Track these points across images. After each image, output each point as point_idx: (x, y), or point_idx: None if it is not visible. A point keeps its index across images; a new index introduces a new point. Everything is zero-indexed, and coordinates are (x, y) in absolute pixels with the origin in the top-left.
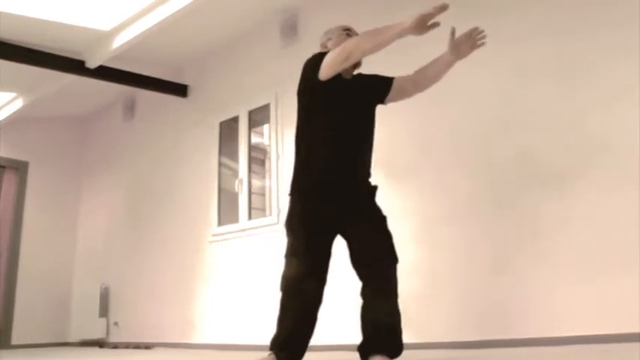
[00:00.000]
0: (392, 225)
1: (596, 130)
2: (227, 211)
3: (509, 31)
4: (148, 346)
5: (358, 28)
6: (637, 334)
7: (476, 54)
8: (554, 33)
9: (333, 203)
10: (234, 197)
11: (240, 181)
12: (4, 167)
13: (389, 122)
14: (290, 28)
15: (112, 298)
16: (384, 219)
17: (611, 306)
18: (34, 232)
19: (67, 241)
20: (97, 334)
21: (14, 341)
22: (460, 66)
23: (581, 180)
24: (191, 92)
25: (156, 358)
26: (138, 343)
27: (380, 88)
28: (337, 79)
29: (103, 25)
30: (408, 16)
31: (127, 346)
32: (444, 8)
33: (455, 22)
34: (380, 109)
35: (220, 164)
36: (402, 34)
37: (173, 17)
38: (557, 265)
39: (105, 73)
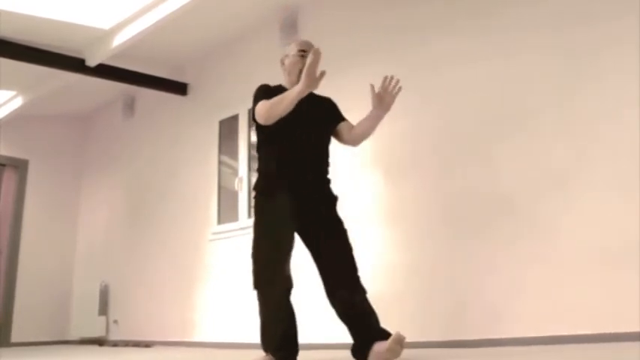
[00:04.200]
0: (388, 225)
1: (595, 129)
2: (227, 210)
3: (508, 26)
4: (147, 345)
5: (358, 25)
6: (637, 333)
7: (477, 52)
8: (554, 27)
9: (292, 194)
10: (234, 195)
11: (240, 180)
12: (4, 165)
13: (388, 122)
14: (290, 26)
15: (112, 296)
16: (345, 231)
17: (610, 305)
18: (34, 231)
19: (67, 239)
20: (97, 332)
21: (14, 339)
22: (460, 65)
23: (580, 179)
24: (191, 90)
25: (155, 356)
26: (137, 341)
27: (330, 122)
28: None
29: (103, 23)
30: (404, 13)
31: (127, 344)
32: (317, 53)
33: (455, 19)
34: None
35: (220, 162)
36: (300, 95)
37: (173, 15)
38: (555, 264)
39: (105, 71)
